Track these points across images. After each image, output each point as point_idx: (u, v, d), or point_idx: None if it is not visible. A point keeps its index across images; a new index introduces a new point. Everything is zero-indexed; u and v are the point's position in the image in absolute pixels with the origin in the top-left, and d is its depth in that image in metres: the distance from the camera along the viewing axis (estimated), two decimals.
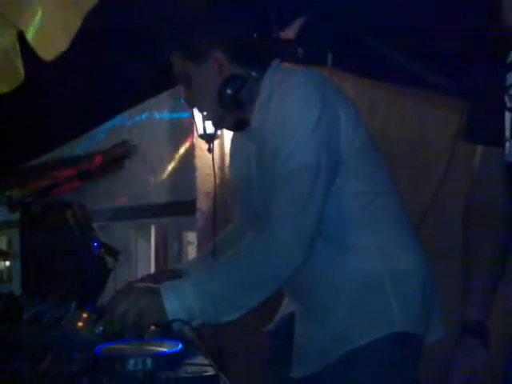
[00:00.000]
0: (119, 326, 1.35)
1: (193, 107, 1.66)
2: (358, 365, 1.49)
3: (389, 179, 1.60)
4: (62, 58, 1.90)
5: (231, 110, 1.57)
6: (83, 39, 1.87)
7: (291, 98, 1.49)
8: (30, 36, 1.73)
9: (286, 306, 1.73)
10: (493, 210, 1.41)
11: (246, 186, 1.66)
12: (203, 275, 1.42)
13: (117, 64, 3.08)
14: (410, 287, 1.52)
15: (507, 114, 1.31)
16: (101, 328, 1.40)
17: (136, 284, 1.51)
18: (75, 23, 1.85)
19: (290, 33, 3.21)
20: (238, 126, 1.64)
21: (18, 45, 1.94)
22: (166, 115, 5.40)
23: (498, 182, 1.40)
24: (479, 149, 1.43)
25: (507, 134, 1.31)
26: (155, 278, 1.66)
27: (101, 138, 6.06)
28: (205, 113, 1.65)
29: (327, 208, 1.47)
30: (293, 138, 1.46)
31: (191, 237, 5.17)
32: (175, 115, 5.23)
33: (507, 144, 1.31)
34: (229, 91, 1.54)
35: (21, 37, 1.90)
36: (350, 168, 1.52)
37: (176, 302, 1.35)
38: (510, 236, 1.41)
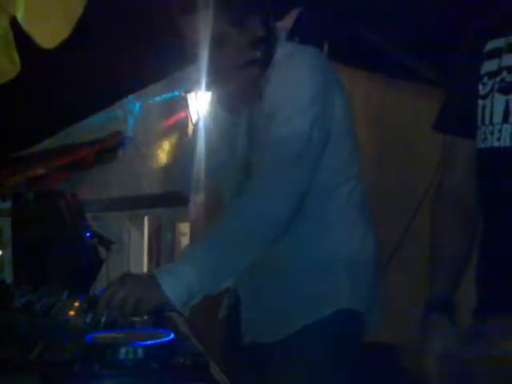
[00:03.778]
0: (117, 314, 1.33)
1: (215, 82, 1.60)
2: (308, 339, 1.53)
3: (360, 166, 1.65)
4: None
5: (260, 79, 1.56)
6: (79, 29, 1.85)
7: (297, 69, 1.54)
8: (20, 17, 1.70)
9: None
10: (457, 201, 1.40)
11: (225, 154, 1.66)
12: (195, 248, 1.46)
13: (114, 52, 3.06)
14: (364, 270, 1.59)
15: (480, 102, 1.29)
16: (92, 317, 1.39)
17: (131, 273, 1.51)
18: (77, 10, 1.82)
19: (285, 23, 3.20)
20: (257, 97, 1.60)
21: (11, 33, 1.90)
22: (160, 105, 5.38)
23: (463, 174, 1.39)
24: (448, 138, 1.42)
25: (479, 122, 1.30)
26: None
27: (94, 128, 6.03)
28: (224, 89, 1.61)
29: None
30: (292, 104, 1.50)
31: (184, 227, 5.16)
32: (170, 105, 5.21)
33: (478, 132, 1.30)
34: (259, 54, 1.55)
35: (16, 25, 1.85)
36: (332, 146, 1.56)
37: (173, 282, 1.34)
38: (475, 227, 1.39)
